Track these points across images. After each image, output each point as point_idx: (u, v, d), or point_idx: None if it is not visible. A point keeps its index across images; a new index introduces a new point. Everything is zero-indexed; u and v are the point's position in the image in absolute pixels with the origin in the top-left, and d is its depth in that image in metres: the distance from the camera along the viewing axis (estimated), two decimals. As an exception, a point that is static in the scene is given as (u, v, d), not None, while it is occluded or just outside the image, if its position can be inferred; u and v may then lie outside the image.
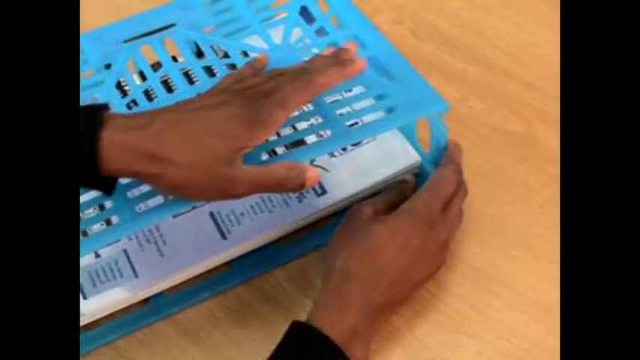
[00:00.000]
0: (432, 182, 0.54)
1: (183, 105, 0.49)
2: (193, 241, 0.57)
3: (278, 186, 0.48)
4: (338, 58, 0.51)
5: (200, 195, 0.48)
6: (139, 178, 0.47)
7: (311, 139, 0.56)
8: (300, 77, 0.48)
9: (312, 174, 0.48)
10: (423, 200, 0.53)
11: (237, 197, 0.47)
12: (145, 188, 0.53)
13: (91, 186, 0.48)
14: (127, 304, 0.56)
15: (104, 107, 0.47)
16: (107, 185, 0.48)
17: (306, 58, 0.57)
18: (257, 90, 0.49)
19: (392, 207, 0.54)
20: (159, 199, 0.53)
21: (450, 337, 0.53)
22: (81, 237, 0.50)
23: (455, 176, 0.55)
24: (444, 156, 0.56)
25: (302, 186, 0.48)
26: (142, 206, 0.52)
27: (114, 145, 0.45)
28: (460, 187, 0.55)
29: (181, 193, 0.47)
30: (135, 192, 0.52)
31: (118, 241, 0.57)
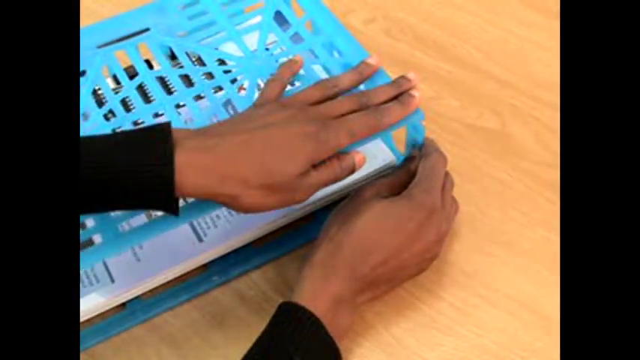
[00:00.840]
0: (425, 170, 0.53)
1: (249, 121, 0.49)
2: (170, 245, 0.55)
3: (334, 180, 0.49)
4: (399, 89, 0.52)
5: (270, 208, 0.48)
6: (213, 199, 0.47)
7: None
8: (372, 114, 0.50)
9: (359, 158, 0.50)
10: (422, 188, 0.52)
11: (303, 201, 0.49)
12: None
13: (161, 208, 0.47)
14: (104, 310, 0.54)
15: (168, 126, 0.46)
16: (175, 206, 0.47)
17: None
18: (322, 110, 0.50)
19: (396, 189, 0.53)
20: (142, 218, 0.52)
21: (428, 334, 0.52)
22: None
23: (444, 162, 0.54)
24: (425, 147, 0.55)
25: (353, 171, 0.50)
26: (125, 225, 0.51)
27: (189, 168, 0.45)
28: (447, 177, 0.54)
29: (256, 209, 0.48)
30: (117, 211, 0.51)
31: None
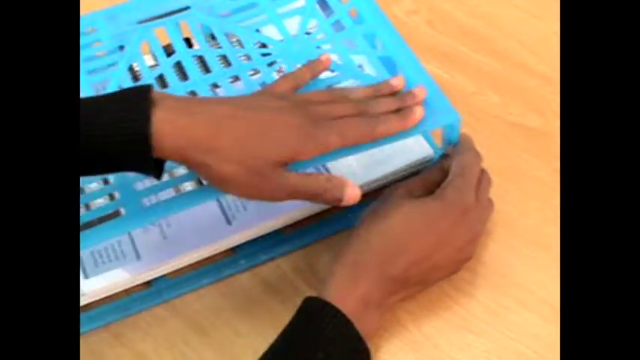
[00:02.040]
0: (458, 169, 0.49)
1: (241, 100, 0.46)
2: (198, 225, 0.52)
3: (315, 196, 0.45)
4: (400, 105, 0.48)
5: (244, 192, 0.44)
6: (188, 164, 0.44)
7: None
8: (367, 121, 0.46)
9: (351, 191, 0.45)
10: (455, 187, 0.48)
11: (276, 200, 0.45)
12: (151, 182, 0.48)
13: (141, 169, 0.43)
14: (128, 286, 0.51)
15: (150, 87, 0.43)
16: (157, 169, 0.44)
17: (323, 49, 0.53)
18: (318, 109, 0.46)
19: (429, 187, 0.49)
20: (169, 192, 0.49)
21: (459, 335, 0.48)
22: (87, 228, 0.46)
23: (479, 160, 0.50)
24: (459, 144, 0.51)
25: (339, 200, 0.45)
26: (153, 198, 0.49)
27: (166, 127, 0.41)
28: (484, 175, 0.50)
29: (226, 186, 0.44)
30: (139, 185, 0.48)
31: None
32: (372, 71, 0.55)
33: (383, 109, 0.47)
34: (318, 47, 0.54)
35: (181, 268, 0.52)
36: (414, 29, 0.64)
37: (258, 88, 0.53)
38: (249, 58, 0.54)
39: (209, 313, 0.50)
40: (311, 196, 0.45)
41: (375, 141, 0.47)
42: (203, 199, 0.47)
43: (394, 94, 0.49)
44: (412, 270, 0.46)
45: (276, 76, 0.53)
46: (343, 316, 0.43)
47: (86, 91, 0.53)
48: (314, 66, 0.51)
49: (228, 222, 0.52)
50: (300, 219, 0.53)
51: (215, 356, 0.48)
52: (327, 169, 0.54)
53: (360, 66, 0.57)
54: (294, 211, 0.52)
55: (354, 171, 0.54)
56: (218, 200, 0.53)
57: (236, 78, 0.56)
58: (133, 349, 0.49)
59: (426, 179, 0.50)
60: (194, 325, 0.49)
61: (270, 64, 0.54)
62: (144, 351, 0.49)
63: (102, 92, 0.52)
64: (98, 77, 0.54)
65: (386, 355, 0.47)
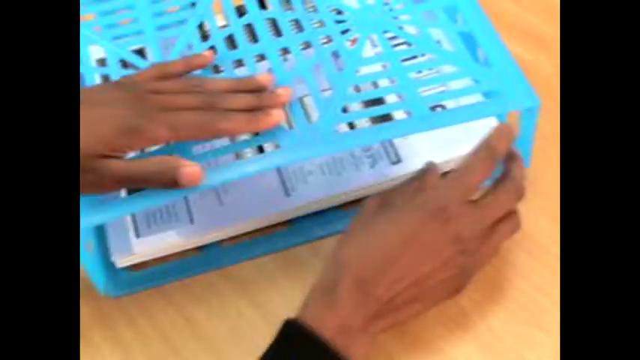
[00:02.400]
0: (455, 170, 0.43)
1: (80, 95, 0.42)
2: (255, 194, 0.50)
3: (147, 181, 0.41)
4: (257, 104, 0.44)
5: None
6: None
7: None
8: (207, 115, 0.42)
9: (189, 170, 0.41)
10: (437, 190, 0.42)
11: (110, 191, 0.42)
12: (212, 145, 0.45)
13: None
14: (179, 249, 0.49)
15: None
16: None
17: (400, 20, 0.49)
18: (157, 99, 0.42)
19: (406, 198, 0.43)
20: (229, 158, 0.47)
21: (527, 331, 0.44)
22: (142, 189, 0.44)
23: (486, 164, 0.43)
24: (480, 141, 0.44)
25: (173, 182, 0.41)
26: (213, 163, 0.45)
27: None
28: (505, 183, 0.43)
29: None
30: (198, 149, 0.44)
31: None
32: (450, 47, 0.51)
33: (234, 105, 0.43)
34: (395, 18, 0.51)
35: (235, 237, 0.49)
36: (498, 5, 0.59)
37: (329, 56, 0.50)
38: (322, 24, 0.51)
39: (265, 284, 0.48)
40: (144, 182, 0.41)
41: (218, 137, 0.42)
42: (263, 168, 0.44)
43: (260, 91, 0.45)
44: (396, 288, 0.40)
45: (348, 45, 0.50)
46: (323, 343, 0.38)
47: (154, 48, 0.51)
48: (192, 59, 0.47)
49: (287, 193, 0.50)
50: (363, 197, 0.50)
51: (270, 331, 0.45)
52: (394, 148, 0.51)
53: (438, 41, 0.54)
54: (355, 188, 0.50)
55: (420, 151, 0.50)
56: (278, 170, 0.50)
57: (307, 45, 0.53)
58: (184, 315, 0.47)
59: (403, 189, 0.44)
60: (249, 297, 0.47)
61: (344, 32, 0.51)
62: (196, 318, 0.47)
63: (170, 49, 0.51)
64: (167, 34, 0.52)
65: (446, 344, 0.44)
